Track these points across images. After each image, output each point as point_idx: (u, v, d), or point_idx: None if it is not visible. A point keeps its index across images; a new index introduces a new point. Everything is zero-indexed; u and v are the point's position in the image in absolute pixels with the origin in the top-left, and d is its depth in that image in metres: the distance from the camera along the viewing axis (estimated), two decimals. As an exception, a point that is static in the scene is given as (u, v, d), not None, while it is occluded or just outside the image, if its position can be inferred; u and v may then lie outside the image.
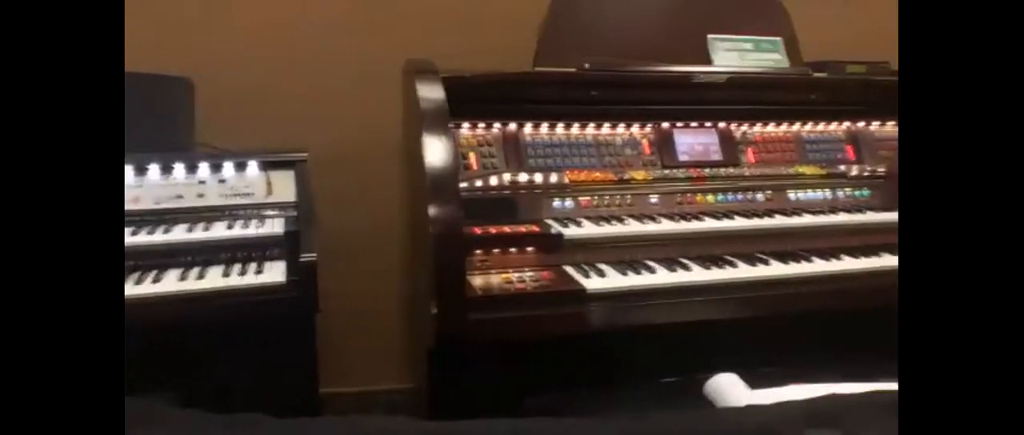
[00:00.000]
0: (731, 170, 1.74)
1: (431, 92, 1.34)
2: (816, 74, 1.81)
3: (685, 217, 1.55)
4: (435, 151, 1.26)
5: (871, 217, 1.66)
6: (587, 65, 1.64)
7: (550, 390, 1.21)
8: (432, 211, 1.22)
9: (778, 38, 1.88)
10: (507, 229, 1.41)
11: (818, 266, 1.47)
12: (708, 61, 1.81)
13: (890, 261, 1.52)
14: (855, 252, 1.53)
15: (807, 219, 1.60)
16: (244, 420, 0.55)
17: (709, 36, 1.84)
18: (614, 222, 1.50)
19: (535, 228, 1.45)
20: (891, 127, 1.89)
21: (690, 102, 1.77)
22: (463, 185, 1.48)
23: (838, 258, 1.51)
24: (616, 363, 1.35)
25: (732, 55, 1.87)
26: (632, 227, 1.47)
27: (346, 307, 1.85)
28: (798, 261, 1.47)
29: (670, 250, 1.50)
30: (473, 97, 1.55)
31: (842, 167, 1.78)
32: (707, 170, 1.72)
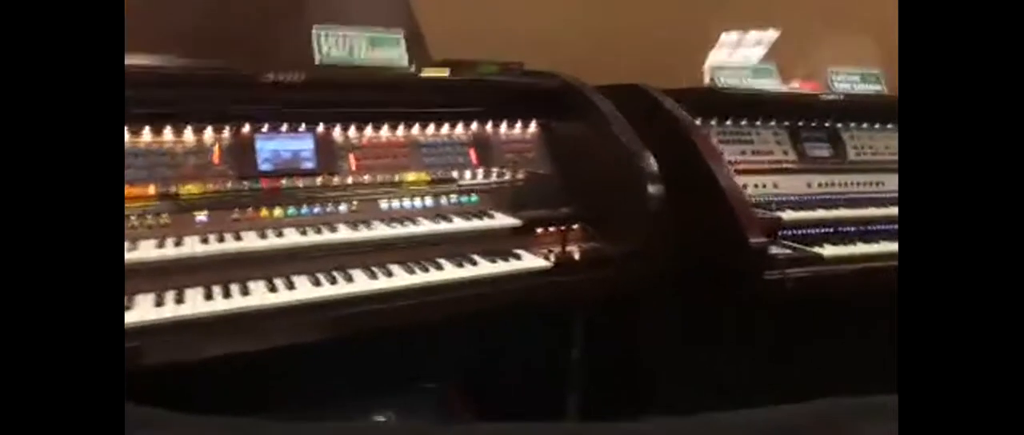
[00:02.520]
0: (327, 179, 1.54)
1: None
2: (428, 72, 1.68)
3: (221, 237, 1.31)
4: None
5: (447, 226, 1.48)
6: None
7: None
8: None
9: (399, 32, 1.72)
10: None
11: (360, 285, 1.29)
12: (311, 56, 1.61)
13: (453, 273, 1.38)
14: (410, 266, 1.38)
15: (344, 234, 1.38)
16: (244, 424, 0.55)
17: (314, 27, 1.65)
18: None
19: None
20: (518, 130, 1.80)
21: (281, 103, 1.56)
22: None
23: (388, 275, 1.34)
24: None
25: (342, 51, 1.69)
26: (133, 254, 1.21)
27: None
28: (334, 282, 1.28)
29: (195, 278, 1.26)
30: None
31: (454, 173, 1.65)
32: (295, 180, 1.51)
